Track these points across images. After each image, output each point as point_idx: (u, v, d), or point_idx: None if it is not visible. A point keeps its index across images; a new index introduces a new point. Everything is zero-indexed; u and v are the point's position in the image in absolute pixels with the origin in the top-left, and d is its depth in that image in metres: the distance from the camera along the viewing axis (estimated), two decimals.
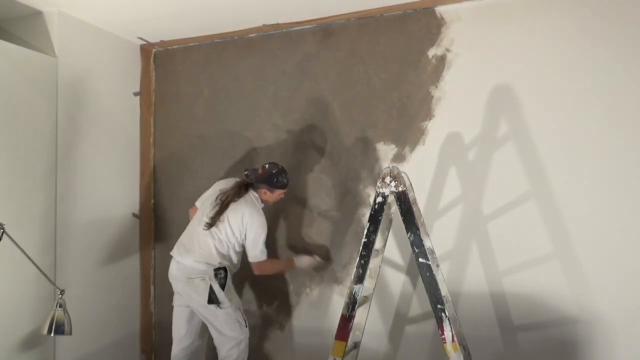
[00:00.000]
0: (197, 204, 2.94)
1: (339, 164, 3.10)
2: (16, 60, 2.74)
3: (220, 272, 2.74)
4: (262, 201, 2.87)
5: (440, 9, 2.89)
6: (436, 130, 2.88)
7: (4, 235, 2.23)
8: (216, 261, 2.74)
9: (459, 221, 2.81)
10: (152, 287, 3.59)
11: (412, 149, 2.94)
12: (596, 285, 2.54)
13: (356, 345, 2.61)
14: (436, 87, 2.88)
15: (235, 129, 3.39)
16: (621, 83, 2.52)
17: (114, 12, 3.02)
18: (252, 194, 2.84)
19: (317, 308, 3.14)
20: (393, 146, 2.98)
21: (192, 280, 2.70)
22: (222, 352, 2.80)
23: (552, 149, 2.64)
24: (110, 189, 3.32)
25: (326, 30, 3.16)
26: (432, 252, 2.26)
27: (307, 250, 3.13)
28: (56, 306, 2.45)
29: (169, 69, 3.62)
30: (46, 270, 2.55)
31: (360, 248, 2.34)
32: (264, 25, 3.20)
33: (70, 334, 2.47)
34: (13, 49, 2.75)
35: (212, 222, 2.74)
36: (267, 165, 2.84)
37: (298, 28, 3.22)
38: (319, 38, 3.18)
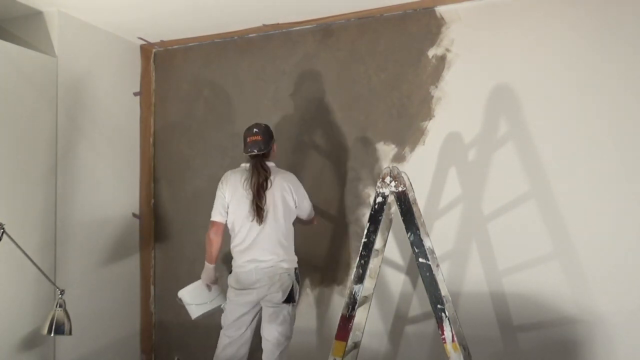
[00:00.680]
0: (217, 218, 2.66)
1: (339, 164, 3.10)
2: (16, 60, 2.74)
3: (297, 270, 2.66)
4: (274, 163, 2.72)
5: (440, 9, 2.89)
6: (436, 130, 2.88)
7: (4, 235, 2.23)
8: (291, 255, 2.64)
9: (459, 221, 2.81)
10: (152, 287, 3.59)
11: (412, 149, 2.93)
12: (596, 285, 2.54)
13: (356, 345, 2.61)
14: (436, 87, 2.88)
15: (235, 129, 3.39)
16: (621, 83, 2.52)
17: (114, 12, 3.02)
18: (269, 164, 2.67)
19: (317, 308, 3.14)
20: (393, 146, 2.98)
21: (279, 276, 2.55)
22: (271, 350, 2.62)
23: (552, 149, 2.64)
24: (110, 189, 3.32)
25: (326, 30, 3.16)
26: (432, 252, 2.26)
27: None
28: (56, 306, 2.45)
29: (169, 69, 3.62)
30: (46, 270, 2.55)
31: (360, 248, 2.34)
32: (264, 25, 3.20)
33: (70, 334, 2.48)
34: (13, 49, 2.75)
35: (260, 215, 2.54)
36: (255, 130, 2.64)
37: (298, 28, 3.22)
38: (319, 38, 3.18)
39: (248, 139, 2.66)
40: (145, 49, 3.61)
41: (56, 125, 2.94)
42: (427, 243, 2.24)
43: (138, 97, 3.58)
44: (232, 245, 2.66)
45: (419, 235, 2.23)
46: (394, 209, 2.45)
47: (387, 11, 2.97)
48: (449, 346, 2.17)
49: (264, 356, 2.64)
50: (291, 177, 2.70)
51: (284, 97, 3.26)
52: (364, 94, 3.05)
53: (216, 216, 2.66)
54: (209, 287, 2.74)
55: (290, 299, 2.58)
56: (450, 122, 2.85)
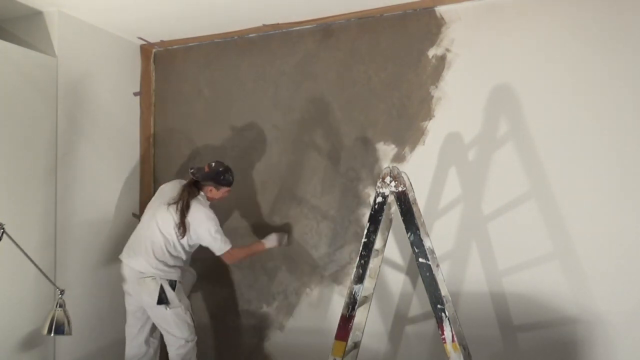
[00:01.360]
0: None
1: (339, 164, 3.10)
2: (16, 60, 2.74)
3: (172, 272, 2.82)
4: (208, 199, 2.92)
5: (440, 9, 2.89)
6: (436, 130, 2.88)
7: (4, 235, 2.23)
8: (169, 262, 2.81)
9: (459, 221, 2.81)
10: None
11: (412, 149, 2.93)
12: (596, 285, 2.54)
13: (356, 345, 2.61)
14: (436, 87, 2.88)
15: (235, 129, 3.39)
16: (621, 83, 2.52)
17: (114, 12, 3.02)
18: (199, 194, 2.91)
19: (317, 308, 3.14)
20: (393, 146, 2.98)
21: (144, 280, 2.78)
22: (171, 351, 2.88)
23: (552, 149, 2.64)
24: (110, 189, 3.32)
25: (326, 30, 3.16)
26: (432, 252, 2.26)
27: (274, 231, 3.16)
28: (56, 306, 2.45)
29: (169, 69, 3.62)
30: (46, 270, 2.55)
31: (360, 248, 2.34)
32: (264, 25, 3.20)
33: (70, 334, 2.47)
34: (13, 49, 2.75)
35: (180, 226, 2.79)
36: (213, 164, 2.89)
37: (298, 28, 3.22)
38: (319, 38, 3.18)
39: (205, 164, 2.92)
40: (145, 49, 3.61)
41: (56, 125, 2.94)
42: (427, 243, 2.24)
43: (138, 97, 3.58)
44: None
45: (419, 235, 2.23)
46: (394, 209, 2.45)
47: (387, 11, 2.97)
48: (449, 346, 2.17)
49: None
50: (202, 214, 2.81)
51: (284, 97, 3.26)
52: (364, 94, 3.05)
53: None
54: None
55: (161, 300, 2.78)
56: (450, 122, 2.85)
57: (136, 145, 3.56)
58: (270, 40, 3.32)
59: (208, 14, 3.04)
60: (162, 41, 3.52)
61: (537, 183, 2.66)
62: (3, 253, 2.32)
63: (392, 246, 2.92)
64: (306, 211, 3.17)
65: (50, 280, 2.53)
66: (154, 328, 2.98)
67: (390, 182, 2.29)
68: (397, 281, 2.95)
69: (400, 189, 2.27)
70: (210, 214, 2.83)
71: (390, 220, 2.59)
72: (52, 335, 2.45)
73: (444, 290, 2.22)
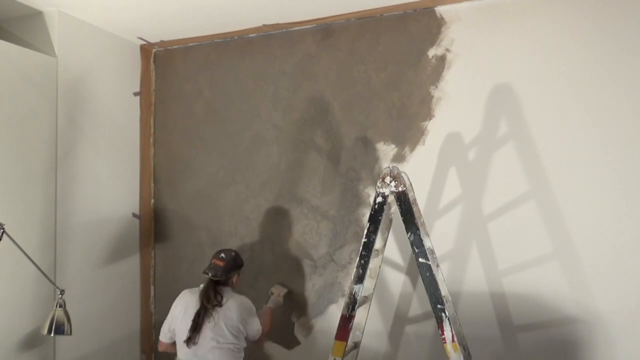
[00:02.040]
0: (164, 338, 2.71)
1: (339, 164, 3.10)
2: (16, 60, 2.74)
3: None
4: (233, 289, 2.73)
5: (440, 9, 2.89)
6: (436, 130, 2.88)
7: (4, 235, 2.23)
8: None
9: (459, 221, 2.81)
10: (152, 287, 3.59)
11: (412, 149, 2.94)
12: (596, 285, 2.54)
13: (356, 345, 2.61)
14: (436, 87, 2.88)
15: (235, 129, 3.40)
16: (621, 83, 2.52)
17: (114, 12, 3.02)
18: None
19: (317, 308, 3.14)
20: (393, 146, 2.98)
21: None
22: None
23: (552, 149, 2.64)
24: (110, 189, 3.32)
25: (326, 30, 3.16)
26: (432, 252, 2.26)
27: (271, 292, 3.13)
28: (56, 306, 2.46)
29: (169, 69, 3.62)
30: (46, 270, 2.55)
31: (360, 248, 2.34)
32: (264, 25, 3.20)
33: (70, 334, 2.48)
34: (13, 49, 2.75)
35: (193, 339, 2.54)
36: (222, 255, 2.69)
37: (298, 28, 3.23)
38: (319, 38, 3.18)
39: (212, 260, 2.69)
40: (145, 49, 3.61)
41: (56, 125, 2.94)
42: (427, 243, 2.24)
43: (138, 97, 3.58)
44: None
45: (419, 235, 2.23)
46: (394, 209, 2.45)
47: (387, 11, 2.97)
48: (449, 346, 2.17)
49: None
50: (247, 305, 2.65)
51: (284, 97, 3.26)
52: (364, 94, 3.05)
53: (161, 336, 2.73)
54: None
55: None
56: (450, 122, 2.85)
57: (136, 145, 3.56)
58: (270, 40, 3.32)
59: (208, 14, 3.04)
60: (162, 41, 3.52)
61: (537, 183, 2.66)
62: (3, 253, 2.32)
63: (392, 246, 2.92)
64: (306, 211, 3.17)
65: (50, 280, 2.53)
66: None
67: (390, 182, 2.29)
68: (397, 281, 2.95)
69: (400, 189, 2.27)
70: (249, 301, 2.70)
71: (390, 220, 2.60)
72: (52, 335, 2.45)
73: (444, 290, 2.22)
